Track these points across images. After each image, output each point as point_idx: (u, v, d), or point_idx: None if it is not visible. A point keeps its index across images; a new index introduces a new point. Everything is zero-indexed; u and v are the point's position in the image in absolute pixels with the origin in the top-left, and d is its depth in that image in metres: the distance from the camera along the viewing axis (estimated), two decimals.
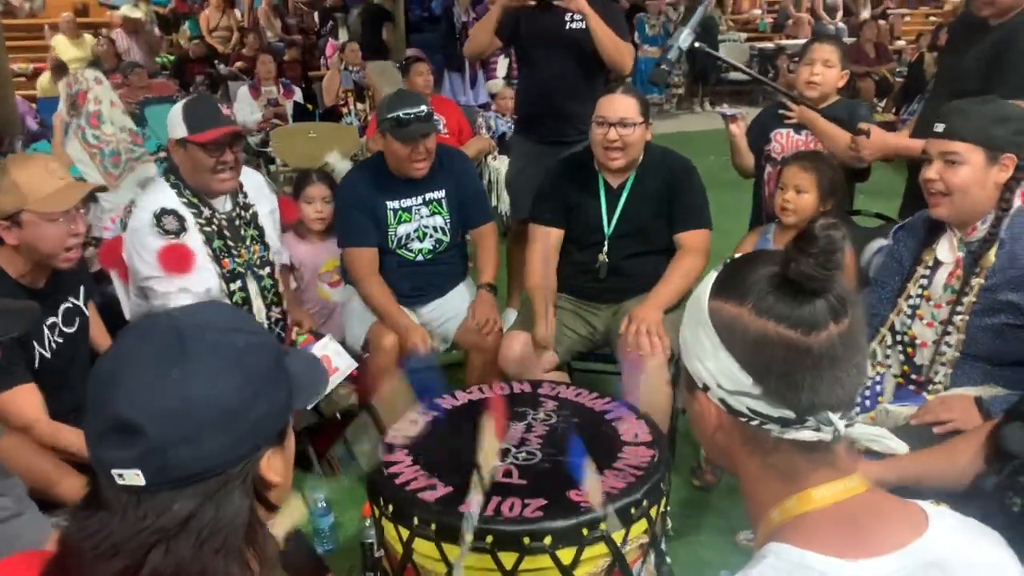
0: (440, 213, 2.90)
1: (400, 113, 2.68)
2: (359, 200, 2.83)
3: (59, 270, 2.11)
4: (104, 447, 0.82)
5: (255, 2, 10.84)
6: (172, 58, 9.42)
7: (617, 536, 1.65)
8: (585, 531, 1.62)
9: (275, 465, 0.90)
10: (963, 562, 0.83)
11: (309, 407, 2.49)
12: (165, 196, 2.49)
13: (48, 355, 2.08)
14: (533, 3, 3.27)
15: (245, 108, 6.63)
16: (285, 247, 2.90)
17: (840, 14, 12.85)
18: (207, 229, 2.51)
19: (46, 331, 2.09)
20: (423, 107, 2.73)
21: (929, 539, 0.83)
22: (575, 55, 3.30)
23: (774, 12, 12.78)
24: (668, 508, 1.89)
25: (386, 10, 9.46)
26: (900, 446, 0.86)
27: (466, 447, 1.71)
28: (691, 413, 0.95)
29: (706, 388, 0.88)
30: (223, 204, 2.57)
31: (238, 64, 8.87)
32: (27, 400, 1.99)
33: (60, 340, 2.12)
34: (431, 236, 2.89)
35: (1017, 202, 1.88)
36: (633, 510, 1.68)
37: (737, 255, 0.95)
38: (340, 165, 3.83)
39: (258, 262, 2.63)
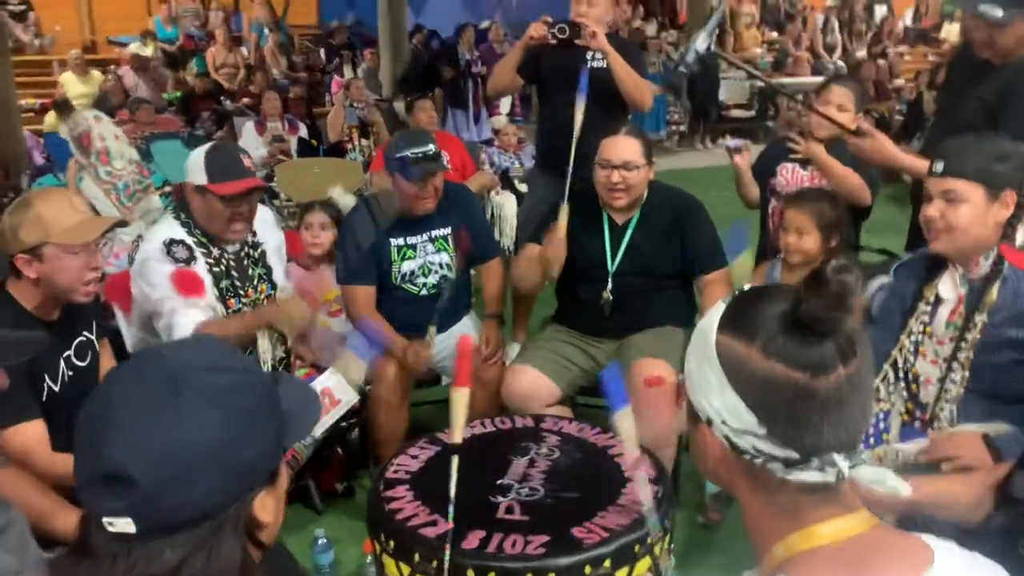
0: (446, 250, 2.91)
1: (408, 153, 2.71)
2: (362, 237, 2.85)
3: (72, 303, 2.12)
4: (94, 496, 0.81)
5: (261, 40, 11.00)
6: (179, 95, 9.53)
7: (620, 574, 1.63)
8: (588, 569, 1.60)
9: (267, 505, 0.89)
10: None
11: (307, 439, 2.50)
12: (175, 230, 2.50)
13: (57, 388, 2.08)
14: (554, 42, 3.30)
15: (250, 144, 6.68)
16: (289, 278, 2.91)
17: (838, 51, 13.01)
18: (216, 269, 2.52)
19: (61, 364, 2.09)
20: (430, 146, 2.75)
21: (936, 574, 0.82)
22: (596, 93, 3.34)
23: (774, 50, 12.92)
24: (672, 545, 1.87)
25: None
26: (904, 488, 0.85)
27: (468, 483, 1.70)
28: (693, 444, 0.95)
29: (710, 422, 0.88)
30: (232, 243, 2.58)
31: (244, 100, 8.96)
32: (33, 436, 1.98)
33: (71, 373, 2.12)
34: (436, 272, 2.90)
35: (1021, 236, 1.88)
36: (637, 547, 1.66)
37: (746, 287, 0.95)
38: (344, 200, 3.85)
39: (264, 302, 2.63)
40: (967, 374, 1.90)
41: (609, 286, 2.73)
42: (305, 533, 2.56)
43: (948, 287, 1.97)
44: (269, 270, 2.67)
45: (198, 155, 2.48)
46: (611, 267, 2.73)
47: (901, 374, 2.05)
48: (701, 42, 2.56)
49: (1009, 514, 1.33)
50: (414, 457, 2.02)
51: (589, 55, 3.33)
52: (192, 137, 6.71)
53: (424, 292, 2.88)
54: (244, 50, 10.81)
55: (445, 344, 2.92)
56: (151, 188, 3.79)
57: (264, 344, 2.61)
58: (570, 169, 2.73)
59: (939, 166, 1.91)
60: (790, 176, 2.90)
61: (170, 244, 2.45)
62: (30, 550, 1.55)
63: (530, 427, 2.18)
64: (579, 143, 3.19)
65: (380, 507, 1.81)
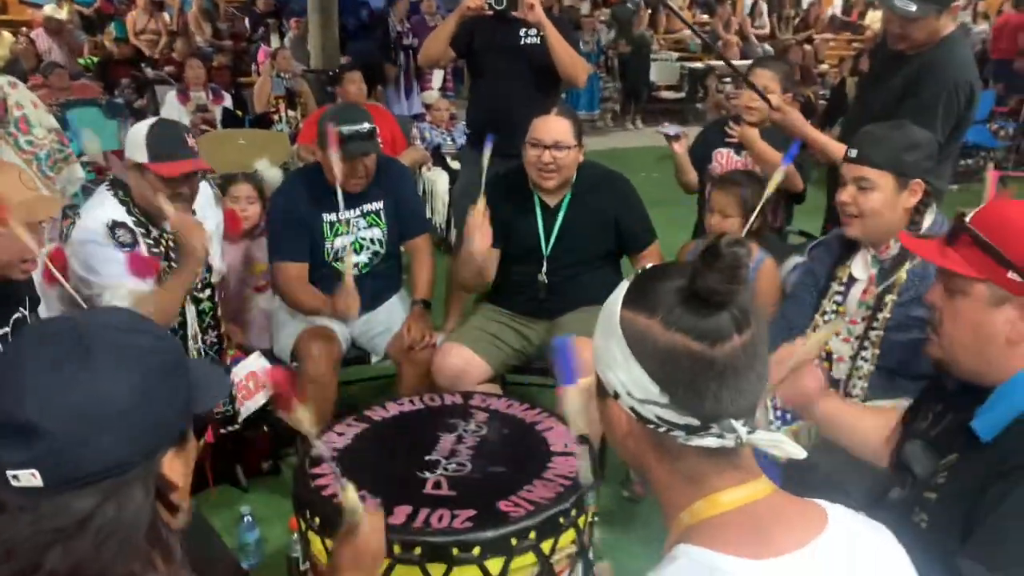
0: (378, 225, 2.88)
1: (343, 129, 2.64)
2: (293, 212, 2.78)
3: (7, 280, 2.04)
4: None
5: (185, 5, 10.60)
6: (96, 60, 9.13)
7: (545, 546, 1.66)
8: (514, 541, 1.63)
9: (176, 467, 0.91)
10: (862, 555, 0.89)
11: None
12: (116, 210, 2.40)
13: None
14: (491, 12, 3.28)
15: (173, 113, 6.46)
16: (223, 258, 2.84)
17: (766, 35, 13.27)
18: (155, 251, 2.43)
19: None
20: (366, 124, 2.70)
21: (829, 536, 0.88)
22: (529, 69, 3.33)
23: (705, 33, 13.11)
24: (596, 518, 1.91)
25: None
26: (798, 451, 0.91)
27: (396, 459, 1.70)
28: (603, 419, 0.98)
29: (617, 396, 0.91)
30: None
31: (167, 68, 8.65)
32: None
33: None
34: (368, 248, 2.87)
35: (927, 222, 1.97)
36: (561, 520, 1.70)
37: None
38: (270, 173, 3.77)
39: (199, 285, 2.56)
40: (878, 352, 2.00)
41: (544, 268, 2.74)
42: (231, 511, 2.53)
43: (860, 267, 2.06)
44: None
45: (139, 130, 2.36)
46: (545, 250, 2.74)
47: None
48: None
49: (903, 483, 1.40)
50: (340, 434, 2.01)
51: (523, 31, 3.33)
52: (111, 104, 6.46)
53: (355, 272, 2.84)
54: (166, 15, 10.40)
55: (377, 321, 2.91)
56: (71, 157, 3.63)
57: (194, 329, 2.55)
58: (485, 162, 2.62)
59: (853, 153, 1.99)
60: (724, 161, 2.96)
61: (113, 227, 2.35)
62: None
63: (459, 404, 2.19)
64: (511, 120, 3.19)
65: (306, 484, 1.80)
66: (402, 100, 9.37)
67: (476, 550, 1.61)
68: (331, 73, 6.20)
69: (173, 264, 2.46)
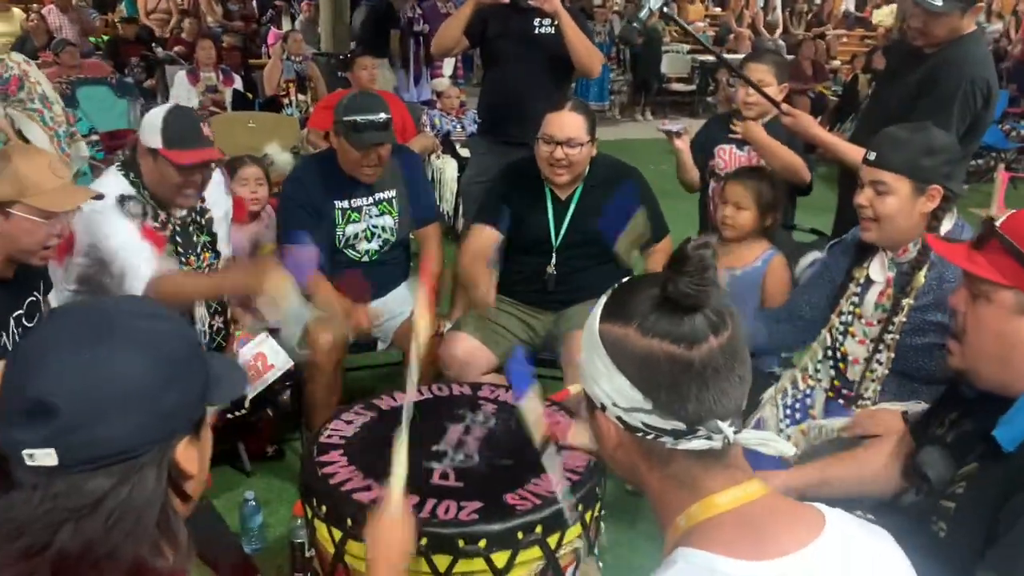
0: (390, 213, 2.86)
1: (357, 118, 2.63)
2: (305, 198, 2.77)
3: (25, 266, 2.03)
4: (15, 428, 0.82)
5: None
6: (106, 39, 9.10)
7: (551, 540, 1.66)
8: (520, 535, 1.62)
9: (191, 455, 0.92)
10: (856, 560, 0.88)
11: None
12: (125, 187, 2.39)
13: (10, 347, 2.00)
14: (507, 1, 3.25)
15: (182, 94, 6.45)
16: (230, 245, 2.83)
17: (780, 31, 13.20)
18: (161, 234, 2.43)
19: (12, 323, 2.02)
20: (382, 114, 2.68)
21: (827, 537, 0.88)
22: (543, 58, 3.31)
23: (716, 26, 13.03)
24: (602, 513, 1.91)
25: (395, 16, 9.05)
26: (787, 448, 0.91)
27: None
28: (593, 433, 0.99)
29: (604, 408, 0.92)
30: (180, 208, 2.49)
31: (177, 48, 8.62)
32: None
33: (20, 332, 2.05)
34: (379, 236, 2.86)
35: (947, 226, 1.95)
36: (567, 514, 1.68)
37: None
38: (279, 157, 3.77)
39: (206, 271, 2.55)
40: (892, 355, 1.98)
41: (553, 260, 2.73)
42: (234, 495, 2.54)
43: (878, 270, 2.04)
44: (214, 238, 2.58)
45: (156, 116, 2.35)
46: (555, 242, 2.73)
47: (829, 352, 2.12)
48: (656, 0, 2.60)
49: (919, 490, 1.39)
50: (348, 422, 2.00)
51: (537, 20, 3.30)
52: (121, 84, 6.44)
53: (365, 259, 2.83)
54: None
55: (385, 309, 2.90)
56: (77, 135, 3.63)
57: (201, 312, 2.54)
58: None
59: (871, 155, 1.96)
60: (728, 157, 2.93)
61: (123, 200, 2.34)
62: None
63: (467, 395, 2.18)
64: (524, 109, 3.18)
65: (313, 472, 1.79)
66: (411, 86, 9.33)
67: (482, 543, 1.60)
68: (342, 57, 6.16)
69: (180, 250, 2.45)
